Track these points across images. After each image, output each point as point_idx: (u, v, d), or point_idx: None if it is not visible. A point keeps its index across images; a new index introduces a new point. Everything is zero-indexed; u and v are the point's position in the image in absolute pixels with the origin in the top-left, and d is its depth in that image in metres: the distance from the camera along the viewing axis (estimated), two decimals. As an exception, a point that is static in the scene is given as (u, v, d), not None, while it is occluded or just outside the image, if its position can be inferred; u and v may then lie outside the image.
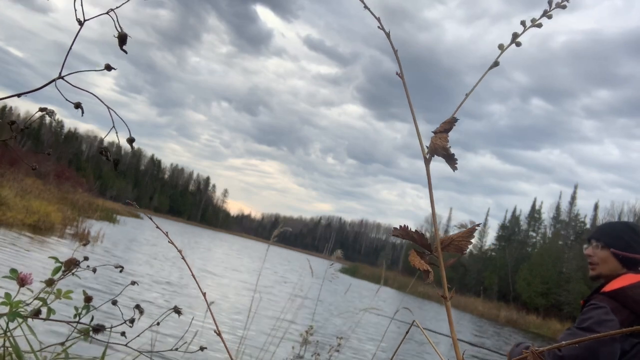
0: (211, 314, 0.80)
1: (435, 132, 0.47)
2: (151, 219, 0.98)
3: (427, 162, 0.49)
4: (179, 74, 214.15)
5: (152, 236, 26.71)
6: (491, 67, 0.47)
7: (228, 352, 0.73)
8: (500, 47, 0.46)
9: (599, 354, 1.76)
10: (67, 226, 18.53)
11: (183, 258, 0.88)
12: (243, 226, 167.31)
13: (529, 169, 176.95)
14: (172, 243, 0.86)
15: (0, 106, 63.66)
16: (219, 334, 0.72)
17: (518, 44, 0.47)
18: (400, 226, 0.51)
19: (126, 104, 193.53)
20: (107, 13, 0.75)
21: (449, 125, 0.46)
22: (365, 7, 0.46)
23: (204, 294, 0.83)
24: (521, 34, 0.46)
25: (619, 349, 1.79)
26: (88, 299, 1.66)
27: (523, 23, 0.47)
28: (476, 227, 0.52)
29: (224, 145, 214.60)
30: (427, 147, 0.48)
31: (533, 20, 0.46)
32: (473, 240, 0.54)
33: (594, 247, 2.07)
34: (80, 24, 0.77)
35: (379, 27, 0.45)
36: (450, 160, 0.46)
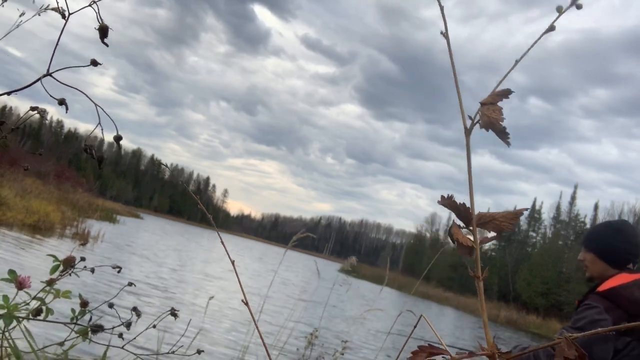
0: (240, 285, 0.81)
1: (483, 103, 0.42)
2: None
3: (468, 133, 0.45)
4: (178, 73, 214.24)
5: (151, 236, 26.71)
6: (547, 31, 0.42)
7: (254, 321, 0.72)
8: (559, 9, 0.42)
9: (592, 353, 1.78)
10: (67, 226, 18.51)
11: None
12: (243, 226, 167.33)
13: (527, 169, 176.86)
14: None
15: (1, 106, 63.88)
16: (246, 304, 0.73)
17: (579, 7, 0.42)
18: (448, 195, 0.47)
19: (125, 104, 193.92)
20: (89, 5, 0.78)
21: (500, 97, 0.41)
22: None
23: (233, 262, 0.89)
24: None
25: (612, 347, 1.82)
26: (84, 304, 1.63)
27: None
28: (523, 211, 0.47)
29: (223, 145, 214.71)
30: (469, 117, 0.44)
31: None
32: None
33: (583, 251, 2.17)
34: (64, 17, 0.80)
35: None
36: (503, 135, 0.41)
